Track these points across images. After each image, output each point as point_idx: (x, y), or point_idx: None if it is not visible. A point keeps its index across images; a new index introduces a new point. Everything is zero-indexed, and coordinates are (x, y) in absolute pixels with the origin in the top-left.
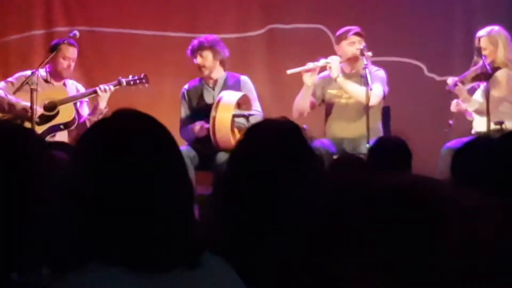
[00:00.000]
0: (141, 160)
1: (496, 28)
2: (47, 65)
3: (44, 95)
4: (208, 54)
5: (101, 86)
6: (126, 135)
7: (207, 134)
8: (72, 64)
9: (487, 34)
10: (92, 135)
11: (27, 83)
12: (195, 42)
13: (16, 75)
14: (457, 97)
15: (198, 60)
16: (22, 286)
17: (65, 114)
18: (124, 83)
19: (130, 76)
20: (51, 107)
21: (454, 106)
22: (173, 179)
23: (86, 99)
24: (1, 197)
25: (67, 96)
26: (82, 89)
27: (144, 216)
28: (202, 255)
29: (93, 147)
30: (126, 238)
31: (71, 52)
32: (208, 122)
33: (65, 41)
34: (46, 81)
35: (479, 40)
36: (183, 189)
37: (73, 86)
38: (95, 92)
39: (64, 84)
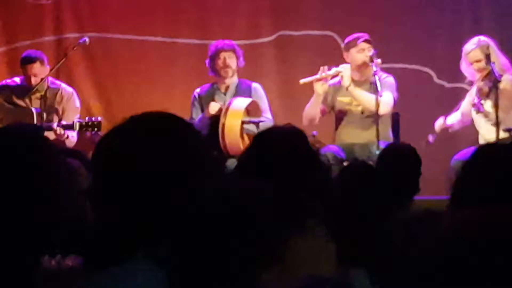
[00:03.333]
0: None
1: (482, 38)
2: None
3: (11, 115)
4: (233, 57)
5: (57, 128)
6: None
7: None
8: (35, 79)
9: (477, 46)
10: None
11: (37, 89)
12: (224, 42)
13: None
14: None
15: (227, 59)
16: (54, 273)
17: None
18: (77, 128)
19: (87, 118)
20: None
21: (438, 125)
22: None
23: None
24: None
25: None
26: (77, 102)
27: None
28: None
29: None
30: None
31: (33, 68)
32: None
33: (75, 47)
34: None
35: (469, 54)
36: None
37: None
38: (51, 128)
39: (45, 93)
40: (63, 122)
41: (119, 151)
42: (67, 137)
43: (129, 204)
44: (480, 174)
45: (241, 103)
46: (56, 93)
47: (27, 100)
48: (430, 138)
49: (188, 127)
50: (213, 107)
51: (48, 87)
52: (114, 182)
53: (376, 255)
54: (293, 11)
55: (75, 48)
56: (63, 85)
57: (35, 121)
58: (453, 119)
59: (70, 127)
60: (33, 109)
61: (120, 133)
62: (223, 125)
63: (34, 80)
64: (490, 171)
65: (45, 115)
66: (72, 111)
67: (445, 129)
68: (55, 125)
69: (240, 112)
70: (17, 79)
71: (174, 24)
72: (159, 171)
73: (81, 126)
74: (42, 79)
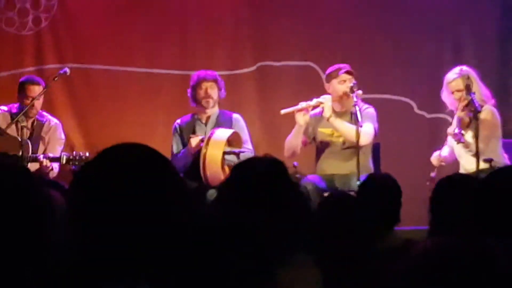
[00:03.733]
0: (142, 188)
1: (464, 67)
2: (15, 105)
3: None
4: (215, 87)
5: (44, 160)
6: (126, 166)
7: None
8: (37, 103)
9: (459, 76)
10: (93, 168)
11: (17, 120)
12: (206, 72)
13: None
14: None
15: (209, 90)
16: None
17: None
18: (64, 161)
19: (74, 152)
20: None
21: (435, 160)
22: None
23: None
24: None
25: (19, 154)
26: (62, 134)
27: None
28: None
29: (96, 179)
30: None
31: (32, 90)
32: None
33: (55, 78)
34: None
35: (450, 83)
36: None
37: (54, 131)
38: (37, 159)
39: (33, 123)
40: (50, 155)
41: (92, 183)
42: (51, 169)
43: (101, 237)
44: (443, 205)
45: (222, 133)
46: (43, 124)
47: (14, 129)
48: (432, 174)
49: (163, 160)
50: (194, 141)
51: (36, 118)
52: (89, 214)
53: (358, 284)
54: (273, 42)
55: (55, 79)
56: (49, 116)
57: (21, 152)
58: (446, 151)
59: (56, 159)
60: (19, 139)
61: (93, 166)
62: (204, 155)
63: (33, 103)
64: (452, 202)
65: (31, 145)
66: (57, 143)
67: (441, 162)
68: (41, 156)
69: (222, 142)
70: (4, 107)
71: (155, 54)
72: (131, 205)
73: (68, 160)
74: (22, 109)
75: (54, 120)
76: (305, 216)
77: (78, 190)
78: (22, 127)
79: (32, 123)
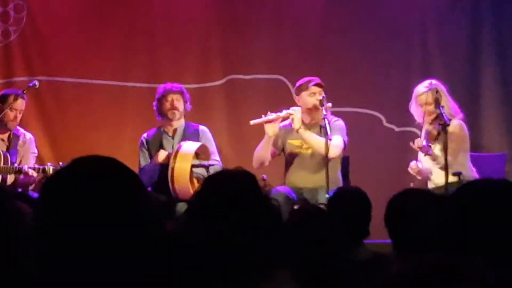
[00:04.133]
0: (108, 201)
1: (434, 81)
2: None
3: None
4: (181, 99)
5: (29, 170)
6: (91, 178)
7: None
8: (19, 116)
9: (428, 89)
10: (58, 182)
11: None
12: (172, 84)
13: None
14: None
15: (175, 101)
16: None
17: None
18: (51, 171)
19: (61, 163)
20: None
21: (413, 169)
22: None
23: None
24: None
25: (7, 166)
26: (35, 148)
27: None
28: None
29: (60, 193)
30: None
31: (19, 103)
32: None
33: (24, 91)
34: None
35: (420, 96)
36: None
37: (29, 144)
38: (20, 171)
39: (9, 136)
40: (37, 166)
41: (59, 194)
42: (35, 180)
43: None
44: (400, 220)
45: (190, 147)
46: (19, 137)
47: None
48: (412, 185)
49: (130, 173)
50: (161, 155)
51: (11, 132)
52: (55, 227)
53: None
54: (242, 56)
55: (24, 92)
56: (23, 130)
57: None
58: (420, 165)
59: (44, 170)
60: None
61: (61, 177)
62: (172, 169)
63: (13, 115)
64: (410, 217)
65: (9, 158)
66: (31, 156)
67: (417, 174)
68: (25, 167)
69: (190, 156)
70: None
71: (124, 68)
72: (98, 218)
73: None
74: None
75: (29, 135)
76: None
77: (45, 202)
78: None
79: (9, 136)
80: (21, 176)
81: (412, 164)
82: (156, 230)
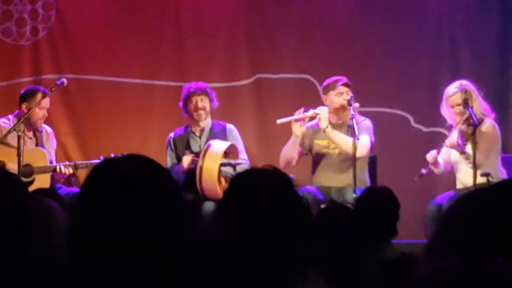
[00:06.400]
0: (148, 197)
1: (464, 81)
2: (15, 114)
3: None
4: (206, 99)
5: (62, 167)
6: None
7: (194, 167)
8: (46, 114)
9: (459, 90)
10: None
11: (14, 129)
12: (196, 84)
13: None
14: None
15: (199, 102)
16: None
17: (41, 182)
18: (80, 167)
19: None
20: (28, 173)
21: (431, 158)
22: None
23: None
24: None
25: (46, 165)
26: (55, 142)
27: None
28: None
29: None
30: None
31: (47, 101)
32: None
33: (52, 88)
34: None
35: (450, 97)
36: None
37: (51, 139)
38: (55, 169)
39: (34, 133)
40: (67, 162)
41: (97, 193)
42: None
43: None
44: (459, 223)
45: (220, 146)
46: (41, 133)
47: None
48: (423, 171)
49: (163, 171)
50: (186, 160)
51: (35, 128)
52: (91, 225)
53: None
54: (270, 55)
55: (53, 89)
56: (44, 125)
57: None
58: (440, 160)
59: (75, 166)
60: (43, 150)
61: (99, 176)
62: (201, 167)
63: (42, 114)
64: (471, 220)
65: (47, 156)
66: (53, 150)
67: (433, 164)
68: (59, 165)
69: (219, 155)
70: (5, 120)
71: (152, 66)
72: (134, 217)
73: (85, 166)
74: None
75: (49, 128)
76: (309, 229)
77: (83, 200)
78: (24, 137)
79: (34, 132)
80: (56, 174)
81: (432, 152)
82: (189, 230)
